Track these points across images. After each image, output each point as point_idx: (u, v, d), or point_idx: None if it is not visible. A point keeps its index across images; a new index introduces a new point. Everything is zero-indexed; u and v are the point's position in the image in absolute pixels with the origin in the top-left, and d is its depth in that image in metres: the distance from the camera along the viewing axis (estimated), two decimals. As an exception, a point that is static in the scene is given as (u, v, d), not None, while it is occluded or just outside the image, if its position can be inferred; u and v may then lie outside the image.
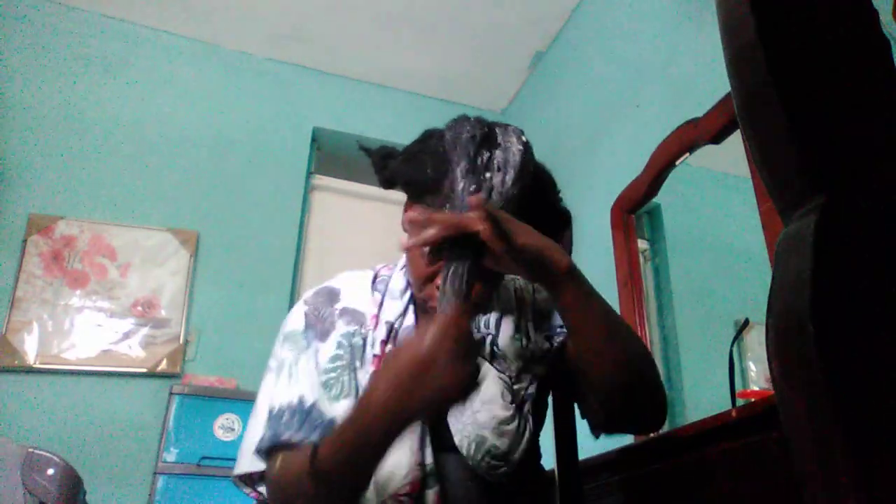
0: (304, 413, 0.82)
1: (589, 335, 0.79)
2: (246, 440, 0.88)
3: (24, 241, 2.44)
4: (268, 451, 0.82)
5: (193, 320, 2.56)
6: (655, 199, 2.14)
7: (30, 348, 2.32)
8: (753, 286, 1.68)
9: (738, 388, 1.49)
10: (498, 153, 0.80)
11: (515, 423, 0.83)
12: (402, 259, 0.96)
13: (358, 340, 0.88)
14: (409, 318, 0.91)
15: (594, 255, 2.27)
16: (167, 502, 2.12)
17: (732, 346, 1.47)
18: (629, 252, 2.17)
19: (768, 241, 1.50)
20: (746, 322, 1.59)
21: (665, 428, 0.88)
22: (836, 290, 0.38)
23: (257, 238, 2.78)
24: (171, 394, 2.28)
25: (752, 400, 1.20)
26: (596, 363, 0.81)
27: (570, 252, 0.93)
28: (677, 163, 2.01)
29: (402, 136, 0.90)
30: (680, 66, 2.07)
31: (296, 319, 0.93)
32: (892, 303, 0.38)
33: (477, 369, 0.70)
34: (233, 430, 2.27)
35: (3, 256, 2.41)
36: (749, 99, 0.44)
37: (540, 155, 0.86)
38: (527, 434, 0.84)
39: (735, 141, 1.75)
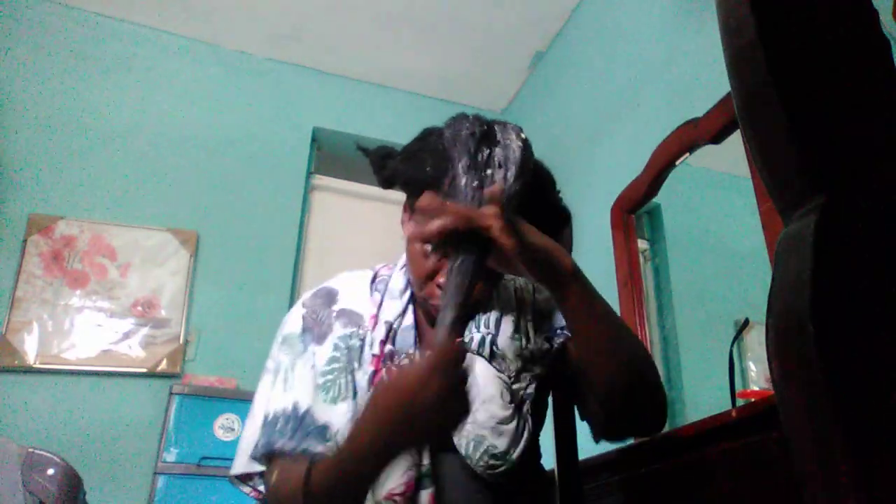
0: (298, 420, 0.82)
1: (592, 336, 0.79)
2: (243, 440, 0.89)
3: (24, 241, 2.44)
4: (263, 457, 0.83)
5: (193, 320, 2.56)
6: (655, 199, 2.14)
7: (30, 348, 2.32)
8: (753, 286, 1.68)
9: (738, 388, 1.49)
10: (498, 150, 0.80)
11: (514, 423, 0.83)
12: (402, 259, 0.96)
13: (355, 342, 0.88)
14: (409, 318, 0.91)
15: (594, 255, 2.27)
16: (167, 502, 2.12)
17: (732, 346, 1.47)
18: (629, 252, 2.17)
19: (768, 241, 1.50)
20: (746, 322, 1.59)
21: (665, 428, 0.88)
22: (836, 290, 0.38)
23: (257, 238, 2.78)
24: (171, 394, 2.28)
25: (752, 400, 1.20)
26: (598, 364, 0.81)
27: (570, 251, 0.93)
28: (677, 163, 2.01)
29: (402, 136, 0.90)
30: (680, 66, 2.07)
31: (294, 322, 0.93)
32: (892, 303, 0.38)
33: (467, 404, 0.68)
34: (233, 430, 2.27)
35: (3, 256, 2.41)
36: (749, 99, 0.44)
37: (540, 155, 0.86)
38: (525, 434, 0.84)
39: (735, 141, 1.75)
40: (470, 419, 0.81)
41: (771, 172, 0.43)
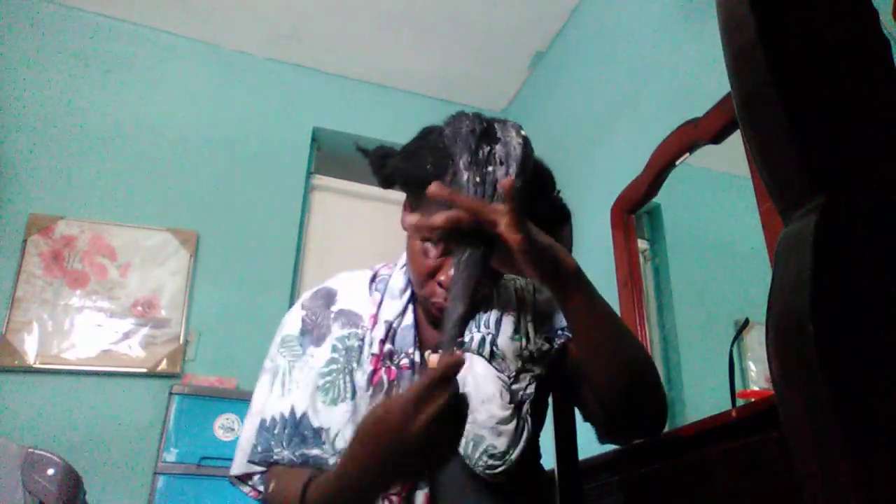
0: (295, 424, 0.82)
1: (593, 337, 0.79)
2: (241, 440, 0.89)
3: (24, 241, 2.44)
4: (262, 461, 0.83)
5: (193, 320, 2.56)
6: (655, 199, 2.14)
7: (30, 348, 2.32)
8: (753, 286, 1.68)
9: (738, 388, 1.49)
10: (498, 147, 0.80)
11: (514, 423, 0.82)
12: (403, 258, 0.96)
13: (353, 343, 0.88)
14: (409, 317, 0.91)
15: (594, 255, 2.27)
16: (167, 502, 2.12)
17: (732, 346, 1.47)
18: (629, 252, 2.16)
19: (768, 241, 1.50)
20: (746, 322, 1.59)
21: (665, 428, 0.88)
22: (836, 290, 0.38)
23: (257, 238, 2.78)
24: (171, 394, 2.28)
25: (752, 400, 1.20)
26: (598, 365, 0.81)
27: (570, 251, 0.93)
28: (677, 163, 2.01)
29: (403, 136, 0.90)
30: (680, 66, 2.07)
31: (292, 323, 0.93)
32: (892, 303, 0.38)
33: (458, 434, 0.68)
34: (233, 430, 2.27)
35: (3, 256, 2.41)
36: (749, 99, 0.44)
37: (540, 155, 0.86)
38: (525, 434, 0.83)
39: (735, 141, 1.75)
40: (469, 419, 0.81)
41: (771, 172, 0.43)
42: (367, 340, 0.88)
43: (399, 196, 0.88)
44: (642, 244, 2.21)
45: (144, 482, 2.21)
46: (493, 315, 0.92)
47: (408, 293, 0.93)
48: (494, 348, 0.88)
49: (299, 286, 2.82)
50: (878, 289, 0.38)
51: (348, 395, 0.84)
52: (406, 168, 0.85)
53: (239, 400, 2.32)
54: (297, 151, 3.04)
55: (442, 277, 0.81)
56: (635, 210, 2.20)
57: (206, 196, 2.77)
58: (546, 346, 0.90)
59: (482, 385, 0.84)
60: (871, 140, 0.42)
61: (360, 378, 0.85)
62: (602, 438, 0.91)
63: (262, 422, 0.85)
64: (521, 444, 0.82)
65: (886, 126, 0.42)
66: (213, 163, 2.84)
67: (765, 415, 0.94)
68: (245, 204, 2.82)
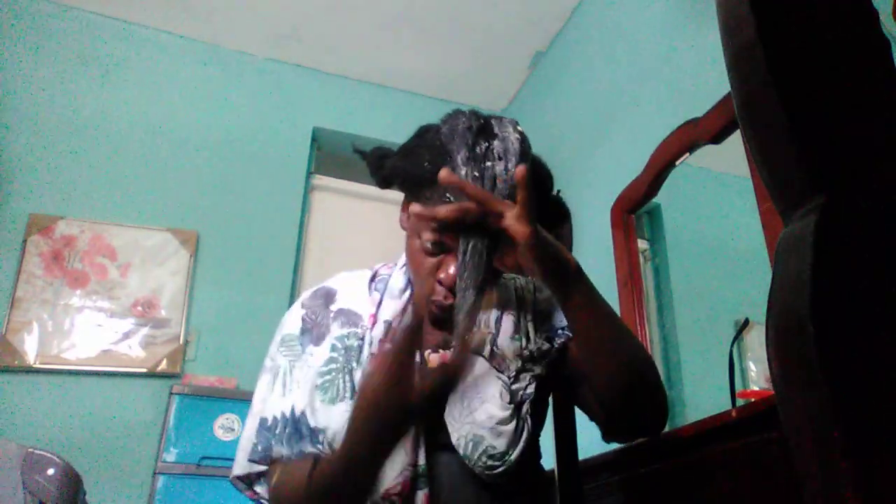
0: (295, 423, 0.82)
1: (594, 336, 0.79)
2: (242, 440, 0.88)
3: (24, 241, 2.44)
4: (262, 460, 0.83)
5: (193, 320, 2.56)
6: (655, 199, 2.14)
7: (30, 348, 2.32)
8: (753, 286, 1.67)
9: (738, 388, 1.49)
10: (496, 143, 0.79)
11: (513, 424, 0.82)
12: (402, 258, 0.96)
13: (353, 342, 0.88)
14: (409, 317, 0.90)
15: (594, 255, 2.27)
16: (167, 502, 2.12)
17: (732, 346, 1.47)
18: (629, 252, 2.16)
19: (768, 241, 1.50)
20: (746, 322, 1.59)
21: (665, 428, 0.88)
22: (836, 290, 0.38)
23: (257, 238, 2.78)
24: (171, 394, 2.28)
25: (752, 400, 1.20)
26: (599, 364, 0.81)
27: (570, 250, 0.93)
28: (677, 163, 2.01)
29: (402, 136, 0.90)
30: (680, 66, 2.07)
31: (293, 322, 0.93)
32: (892, 303, 0.38)
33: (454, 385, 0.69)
34: (233, 430, 2.27)
35: (3, 256, 2.41)
36: (749, 99, 0.44)
37: (540, 155, 0.87)
38: (525, 434, 0.83)
39: (735, 141, 1.75)
40: (469, 419, 0.81)
41: (771, 172, 0.43)
42: (367, 340, 0.88)
43: (399, 196, 0.88)
44: (642, 244, 2.21)
45: (144, 482, 2.21)
46: (492, 314, 0.91)
47: (408, 293, 0.92)
48: (494, 348, 0.88)
49: (299, 286, 2.82)
50: (878, 289, 0.38)
51: (347, 394, 0.83)
52: (404, 167, 0.84)
53: (239, 400, 2.32)
54: (297, 151, 3.04)
55: (442, 275, 0.81)
56: (635, 210, 2.20)
57: (206, 196, 2.77)
58: (546, 346, 0.90)
59: (482, 385, 0.83)
60: (871, 140, 0.42)
61: (360, 378, 0.85)
62: (605, 437, 0.91)
63: (263, 421, 0.85)
64: (521, 444, 0.82)
65: (886, 126, 0.42)
66: (213, 163, 2.84)
67: (765, 415, 0.94)
68: (245, 204, 2.82)
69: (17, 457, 1.16)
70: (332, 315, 0.92)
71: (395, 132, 2.51)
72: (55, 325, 2.38)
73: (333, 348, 0.88)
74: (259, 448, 0.83)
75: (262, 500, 0.86)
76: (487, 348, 0.87)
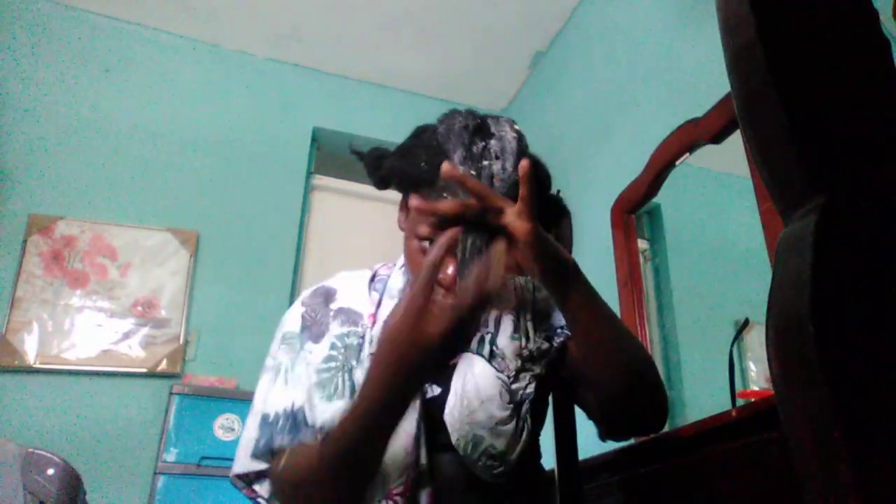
0: (294, 417, 0.82)
1: (593, 336, 0.79)
2: (243, 439, 0.88)
3: (24, 241, 2.44)
4: (264, 454, 0.82)
5: (193, 320, 2.56)
6: (655, 199, 2.14)
7: (30, 348, 2.32)
8: (753, 286, 1.67)
9: (738, 388, 1.49)
10: (493, 142, 0.79)
11: (513, 424, 0.82)
12: (401, 258, 0.96)
13: (353, 340, 0.88)
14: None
15: (594, 255, 2.27)
16: (167, 502, 2.12)
17: (732, 346, 1.47)
18: (629, 252, 2.16)
19: (768, 241, 1.50)
20: (746, 322, 1.59)
21: (665, 428, 0.88)
22: (836, 290, 0.38)
23: (257, 238, 2.78)
24: (171, 394, 2.28)
25: (752, 400, 1.20)
26: (598, 364, 0.81)
27: (570, 250, 0.93)
28: (677, 163, 2.01)
29: (402, 136, 0.90)
30: (680, 66, 2.07)
31: (293, 320, 0.93)
32: (892, 303, 0.38)
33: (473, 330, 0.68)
34: (233, 430, 2.27)
35: (3, 256, 2.41)
36: (749, 99, 0.44)
37: (540, 155, 0.86)
38: (525, 434, 0.83)
39: (735, 141, 1.75)
40: (468, 419, 0.81)
41: (771, 172, 0.43)
42: (367, 338, 0.88)
43: (398, 196, 0.88)
44: (642, 244, 2.21)
45: (144, 482, 2.21)
46: (492, 314, 0.91)
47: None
48: (494, 347, 0.88)
49: (299, 286, 2.82)
50: (878, 289, 0.38)
51: (346, 392, 0.83)
52: (401, 167, 0.84)
53: (239, 400, 2.32)
54: (297, 151, 3.04)
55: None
56: (635, 210, 2.20)
57: (206, 196, 2.77)
58: (545, 346, 0.90)
59: (481, 385, 0.83)
60: (871, 140, 0.42)
61: (360, 376, 0.85)
62: (604, 437, 0.91)
63: (265, 417, 0.84)
64: (521, 444, 0.82)
65: (886, 126, 0.42)
66: (213, 163, 2.84)
67: (765, 415, 0.94)
68: (245, 204, 2.82)
69: (17, 457, 1.16)
70: (331, 313, 0.92)
71: (395, 132, 2.50)
72: (55, 325, 2.38)
73: (333, 346, 0.87)
74: (261, 443, 0.82)
75: (261, 499, 0.86)
76: (487, 348, 0.87)
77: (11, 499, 1.11)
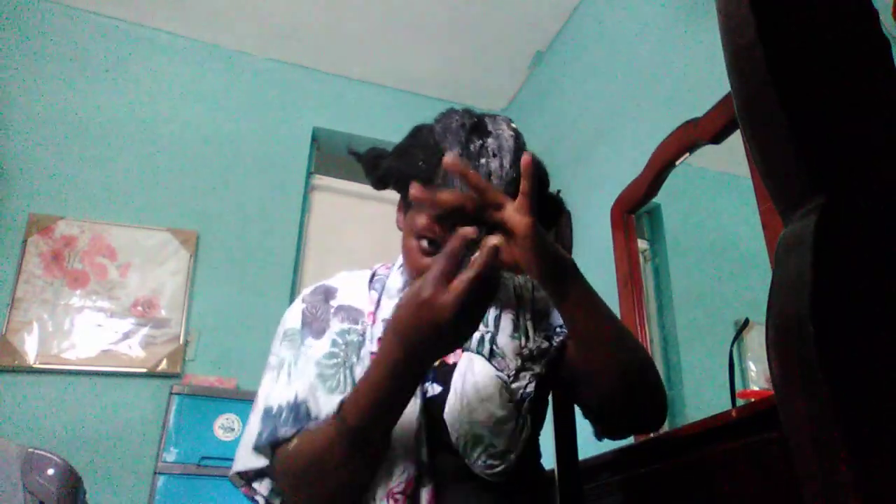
0: (298, 409, 0.82)
1: (593, 336, 0.79)
2: (245, 436, 0.88)
3: (24, 241, 2.44)
4: (267, 446, 0.82)
5: (193, 320, 2.56)
6: (655, 199, 2.14)
7: (30, 348, 2.32)
8: (753, 286, 1.68)
9: (738, 388, 1.49)
10: (490, 140, 0.80)
11: (513, 423, 0.82)
12: (400, 259, 0.96)
13: (354, 338, 0.88)
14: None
15: (594, 255, 2.27)
16: (167, 502, 2.12)
17: (732, 346, 1.47)
18: (629, 252, 2.17)
19: (768, 241, 1.50)
20: (746, 322, 1.59)
21: (665, 428, 0.88)
22: (836, 290, 0.38)
23: (257, 238, 2.78)
24: (171, 394, 2.28)
25: (752, 400, 1.20)
26: (598, 364, 0.81)
27: (570, 251, 0.93)
28: (677, 163, 2.01)
29: (402, 136, 0.90)
30: (680, 66, 2.07)
31: (294, 317, 0.93)
32: (892, 303, 0.38)
33: (486, 307, 0.69)
34: (233, 430, 2.27)
35: (3, 256, 2.41)
36: (749, 99, 0.44)
37: (540, 155, 0.86)
38: (525, 433, 0.83)
39: (735, 141, 1.75)
40: (468, 418, 0.81)
41: (771, 172, 0.43)
42: (367, 336, 0.88)
43: (398, 196, 0.88)
44: (642, 244, 2.21)
45: (144, 482, 2.21)
46: (491, 313, 0.91)
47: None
48: (494, 347, 0.88)
49: (299, 286, 2.83)
50: (878, 289, 0.38)
51: (348, 388, 0.83)
52: (398, 166, 0.84)
53: (239, 400, 2.32)
54: (297, 151, 3.04)
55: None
56: (635, 210, 2.20)
57: (206, 196, 2.77)
58: (545, 345, 0.90)
59: (481, 384, 0.83)
60: (871, 140, 0.42)
61: (361, 373, 0.85)
62: (600, 436, 0.91)
63: (268, 409, 0.84)
64: (521, 443, 0.82)
65: (886, 126, 0.42)
66: (213, 163, 2.84)
67: (765, 415, 0.94)
68: (245, 204, 2.82)
69: (17, 457, 1.16)
70: (332, 310, 0.92)
71: (395, 132, 2.50)
72: (55, 325, 2.38)
73: (334, 343, 0.88)
74: (264, 436, 0.81)
75: (259, 497, 0.86)
76: (487, 347, 0.87)
77: (11, 499, 1.11)
